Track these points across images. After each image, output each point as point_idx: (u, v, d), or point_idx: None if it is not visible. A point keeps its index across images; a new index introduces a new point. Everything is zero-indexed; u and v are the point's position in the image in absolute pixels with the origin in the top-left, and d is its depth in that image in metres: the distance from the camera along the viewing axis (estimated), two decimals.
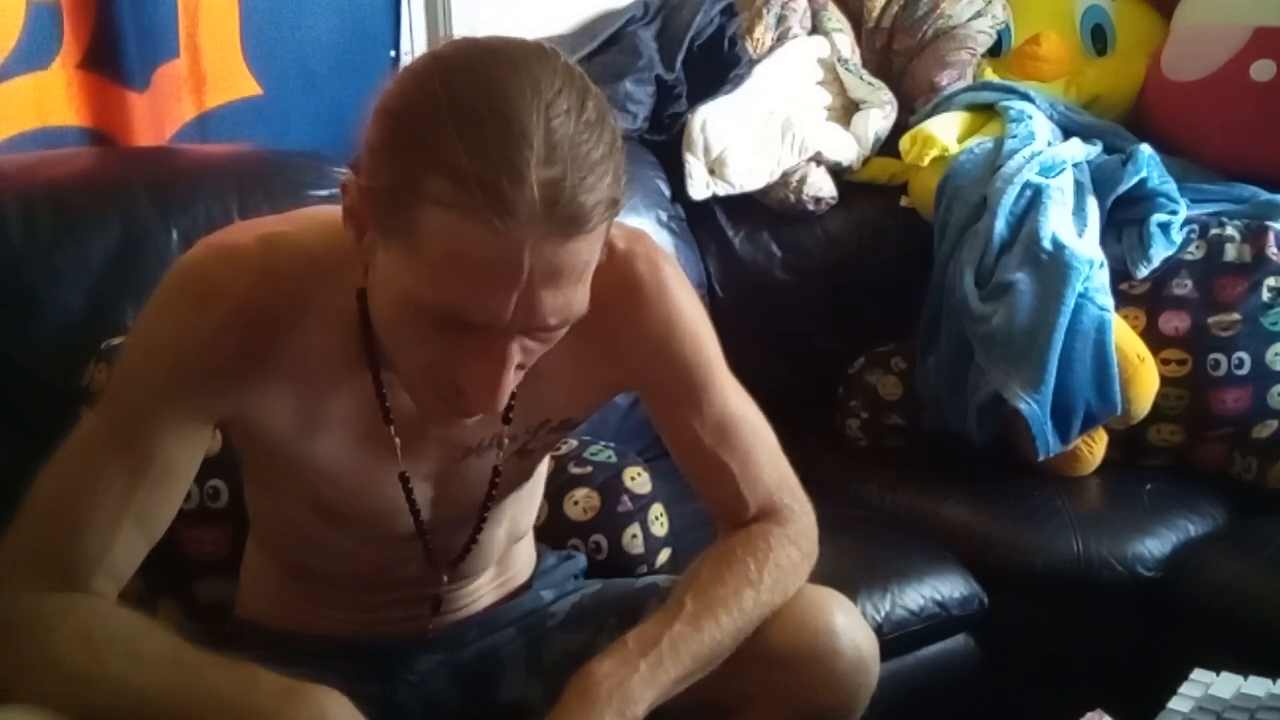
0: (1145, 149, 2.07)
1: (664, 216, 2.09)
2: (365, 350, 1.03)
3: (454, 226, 0.83)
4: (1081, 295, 1.85)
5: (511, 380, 0.91)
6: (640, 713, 1.00)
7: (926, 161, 2.13)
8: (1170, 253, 1.98)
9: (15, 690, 0.93)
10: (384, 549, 1.16)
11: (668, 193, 2.13)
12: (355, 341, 1.02)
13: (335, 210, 1.06)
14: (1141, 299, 1.97)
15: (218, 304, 0.98)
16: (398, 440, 1.07)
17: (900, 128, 2.22)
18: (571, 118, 0.84)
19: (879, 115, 2.22)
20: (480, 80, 0.85)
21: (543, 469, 1.27)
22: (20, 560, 0.99)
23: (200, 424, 1.02)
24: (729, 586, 1.08)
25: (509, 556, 1.30)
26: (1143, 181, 2.02)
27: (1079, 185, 2.03)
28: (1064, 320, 1.83)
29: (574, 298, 0.89)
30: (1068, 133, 2.17)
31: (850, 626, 1.12)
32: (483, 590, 1.28)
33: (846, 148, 2.21)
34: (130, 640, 0.95)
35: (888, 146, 2.23)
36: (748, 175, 2.15)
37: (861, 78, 2.26)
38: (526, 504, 1.28)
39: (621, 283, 1.07)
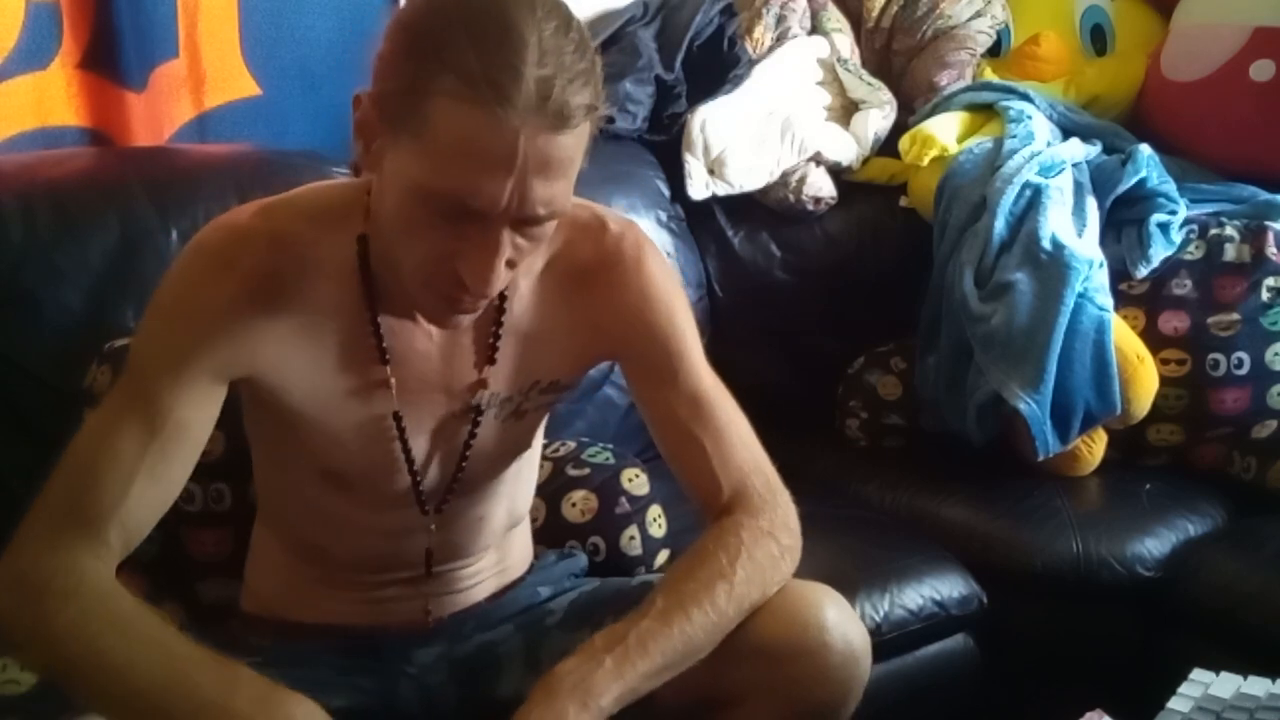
0: (1145, 149, 2.07)
1: (664, 216, 2.09)
2: (365, 294, 1.11)
3: (462, 115, 0.94)
4: (1081, 295, 1.85)
5: (504, 271, 1.01)
6: (605, 705, 1.02)
7: (926, 161, 2.13)
8: (1170, 253, 1.98)
9: (25, 653, 1.06)
10: (385, 515, 1.20)
11: (667, 193, 2.13)
12: (355, 287, 1.11)
13: (330, 181, 1.22)
14: (1141, 299, 1.97)
15: (231, 275, 1.07)
16: (393, 380, 1.13)
17: (900, 128, 2.22)
18: (560, 32, 0.97)
19: (878, 115, 2.22)
20: None
21: (538, 445, 1.32)
22: (47, 513, 1.05)
23: (214, 383, 1.09)
24: (699, 581, 1.09)
25: (508, 543, 1.32)
26: (1142, 181, 2.02)
27: (1078, 185, 2.03)
28: (1063, 320, 1.83)
29: (559, 191, 0.99)
30: (1067, 133, 2.17)
31: (841, 621, 1.13)
32: (484, 575, 1.30)
33: (846, 148, 2.21)
34: (121, 633, 0.99)
35: (887, 146, 2.23)
36: (747, 175, 2.15)
37: (861, 78, 2.26)
38: (525, 481, 1.32)
39: (604, 256, 1.18)
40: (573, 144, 0.98)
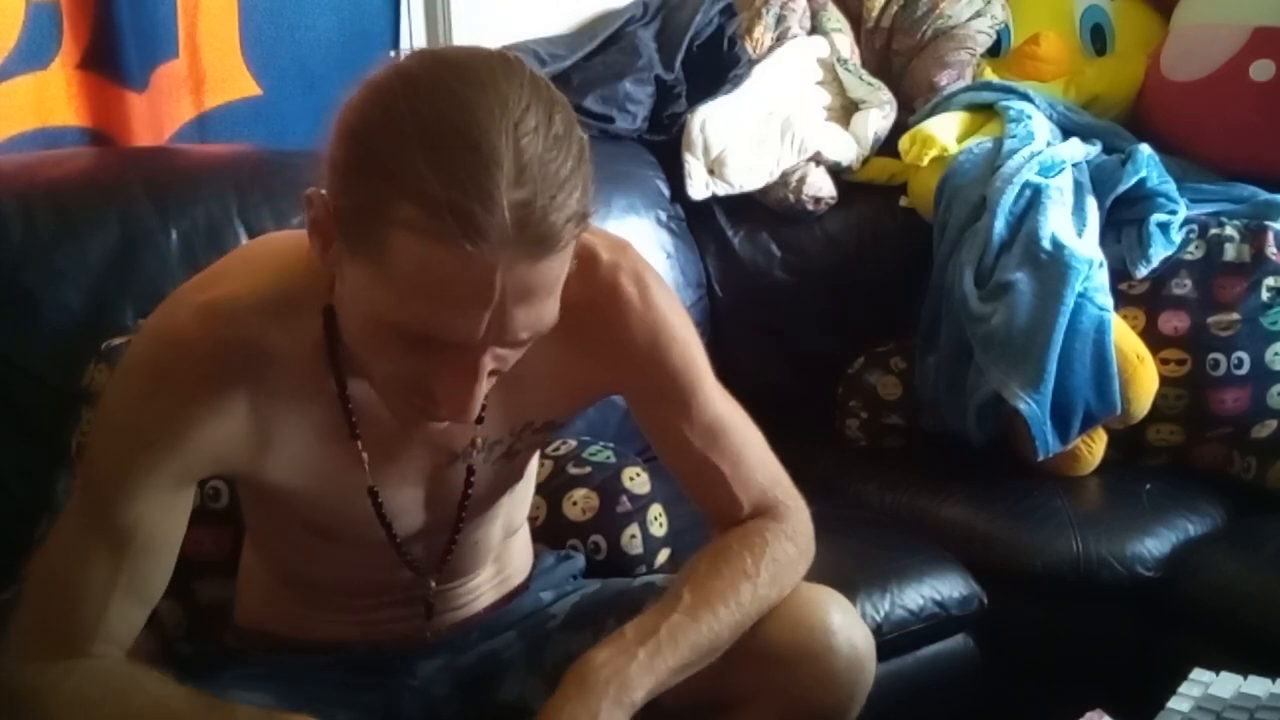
0: (1144, 149, 2.07)
1: (664, 216, 2.09)
2: (331, 368, 1.03)
3: (425, 251, 0.83)
4: (1081, 295, 1.85)
5: (484, 389, 0.92)
6: (638, 700, 1.01)
7: (926, 161, 2.13)
8: (1169, 253, 1.98)
9: None
10: (376, 555, 1.17)
11: (667, 193, 2.13)
12: (320, 364, 1.03)
13: (273, 242, 1.09)
14: (1141, 299, 1.97)
15: (173, 392, 1.00)
16: (365, 455, 1.07)
17: (900, 128, 2.22)
18: (540, 135, 0.84)
19: (878, 115, 2.22)
20: (446, 100, 0.84)
21: (533, 465, 1.28)
22: (26, 636, 1.03)
23: (177, 490, 1.04)
24: (726, 579, 1.08)
25: (507, 552, 1.30)
26: (1142, 181, 2.02)
27: (1078, 185, 2.03)
28: (1063, 320, 1.83)
29: (545, 312, 0.89)
30: (1067, 133, 2.17)
31: (847, 625, 1.13)
32: (483, 589, 1.28)
33: (846, 148, 2.21)
34: (120, 696, 0.99)
35: (887, 146, 2.23)
36: (747, 175, 2.15)
37: (861, 78, 2.26)
38: (520, 498, 1.29)
39: (605, 293, 1.08)
40: (560, 262, 0.87)
